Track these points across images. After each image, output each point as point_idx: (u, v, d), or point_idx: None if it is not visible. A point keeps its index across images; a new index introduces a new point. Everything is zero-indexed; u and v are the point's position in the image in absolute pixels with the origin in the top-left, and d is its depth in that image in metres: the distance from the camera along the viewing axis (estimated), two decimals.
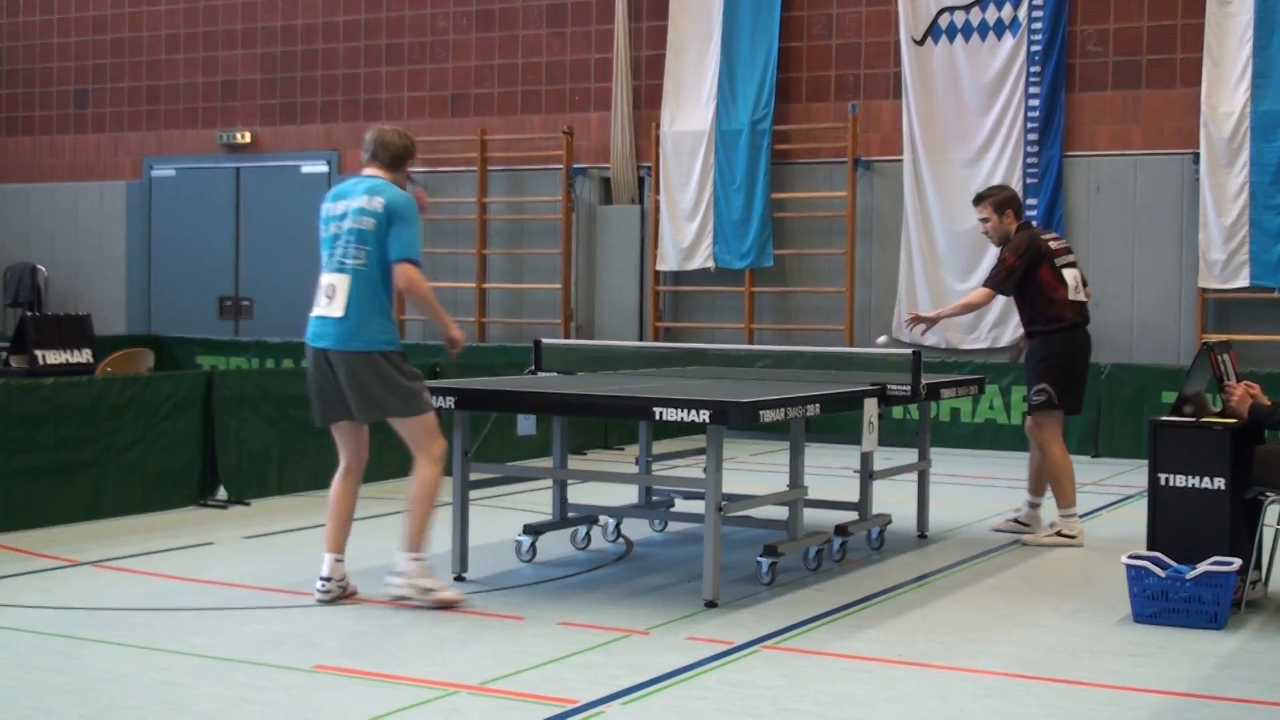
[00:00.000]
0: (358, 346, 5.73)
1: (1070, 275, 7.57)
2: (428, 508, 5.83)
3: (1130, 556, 5.86)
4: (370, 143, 5.95)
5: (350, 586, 5.96)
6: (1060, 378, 7.54)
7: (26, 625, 5.45)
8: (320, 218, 5.90)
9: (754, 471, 10.29)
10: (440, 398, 6.25)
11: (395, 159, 5.91)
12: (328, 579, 5.89)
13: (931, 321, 7.83)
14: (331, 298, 5.74)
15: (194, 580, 6.39)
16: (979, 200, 7.70)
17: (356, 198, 5.78)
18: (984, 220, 7.65)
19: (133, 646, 5.14)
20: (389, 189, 5.79)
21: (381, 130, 6.01)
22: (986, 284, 7.62)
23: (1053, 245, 7.63)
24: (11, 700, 4.48)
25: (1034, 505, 7.97)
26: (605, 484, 8.33)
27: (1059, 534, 7.59)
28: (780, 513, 7.02)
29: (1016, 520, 7.98)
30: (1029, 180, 12.64)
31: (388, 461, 9.73)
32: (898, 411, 8.34)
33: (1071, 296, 7.53)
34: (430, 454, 5.83)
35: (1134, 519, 7.88)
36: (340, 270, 5.74)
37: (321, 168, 15.82)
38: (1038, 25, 12.65)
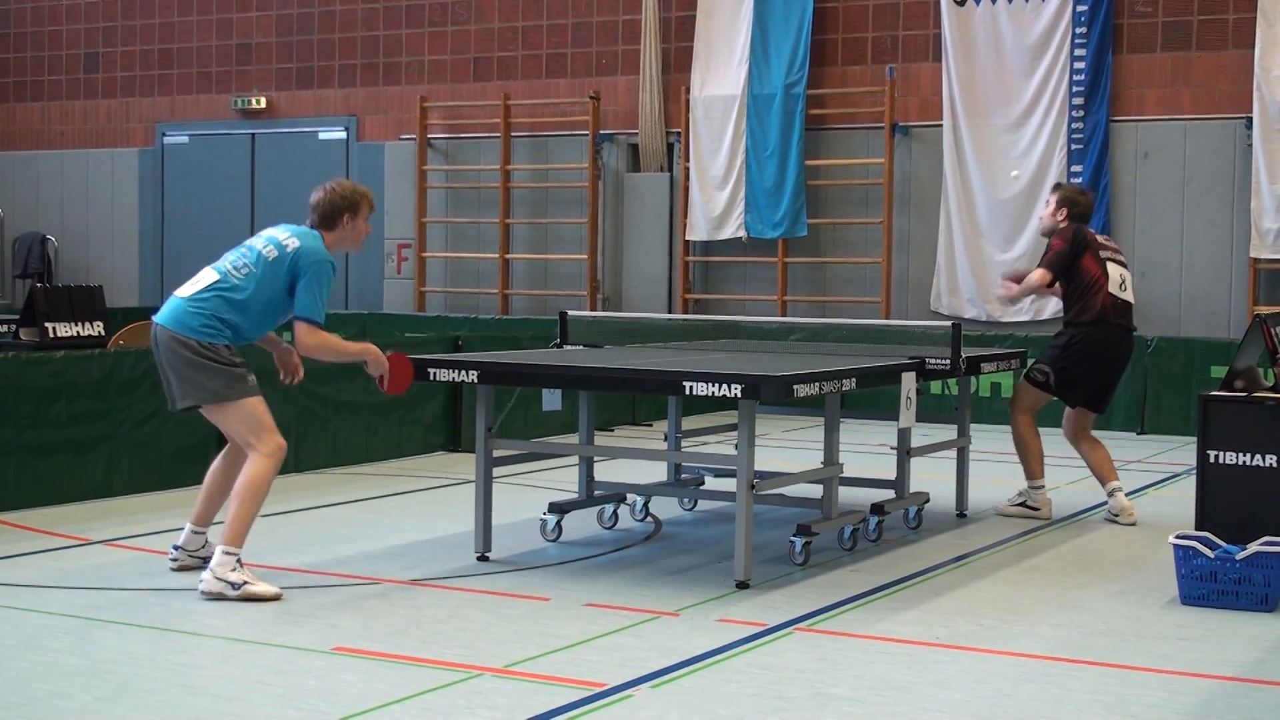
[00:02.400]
0: (174, 328, 5.59)
1: (1115, 271, 7.66)
2: (251, 502, 5.55)
3: (1178, 536, 5.79)
4: (310, 202, 5.92)
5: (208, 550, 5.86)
6: (1068, 368, 7.61)
7: (38, 605, 5.41)
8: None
9: (787, 448, 10.22)
10: (463, 372, 6.17)
11: (323, 217, 5.79)
12: (180, 547, 5.95)
13: (1014, 298, 7.97)
14: (193, 283, 5.68)
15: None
16: (1056, 188, 7.97)
17: (283, 231, 5.77)
18: (1047, 205, 7.86)
19: (147, 627, 5.09)
20: (308, 239, 5.69)
21: (317, 188, 5.92)
22: (1041, 265, 7.72)
23: (1101, 240, 7.79)
24: (23, 682, 4.45)
25: (1113, 491, 7.72)
26: (633, 461, 8.33)
27: (1024, 505, 7.75)
28: (814, 491, 6.96)
29: (1025, 504, 7.82)
30: (1074, 146, 12.45)
31: (409, 436, 9.67)
32: (936, 386, 8.24)
33: (1113, 290, 7.62)
34: (256, 452, 5.60)
35: (1182, 498, 7.86)
36: (216, 268, 5.69)
37: (339, 134, 15.69)
38: None
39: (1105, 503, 7.76)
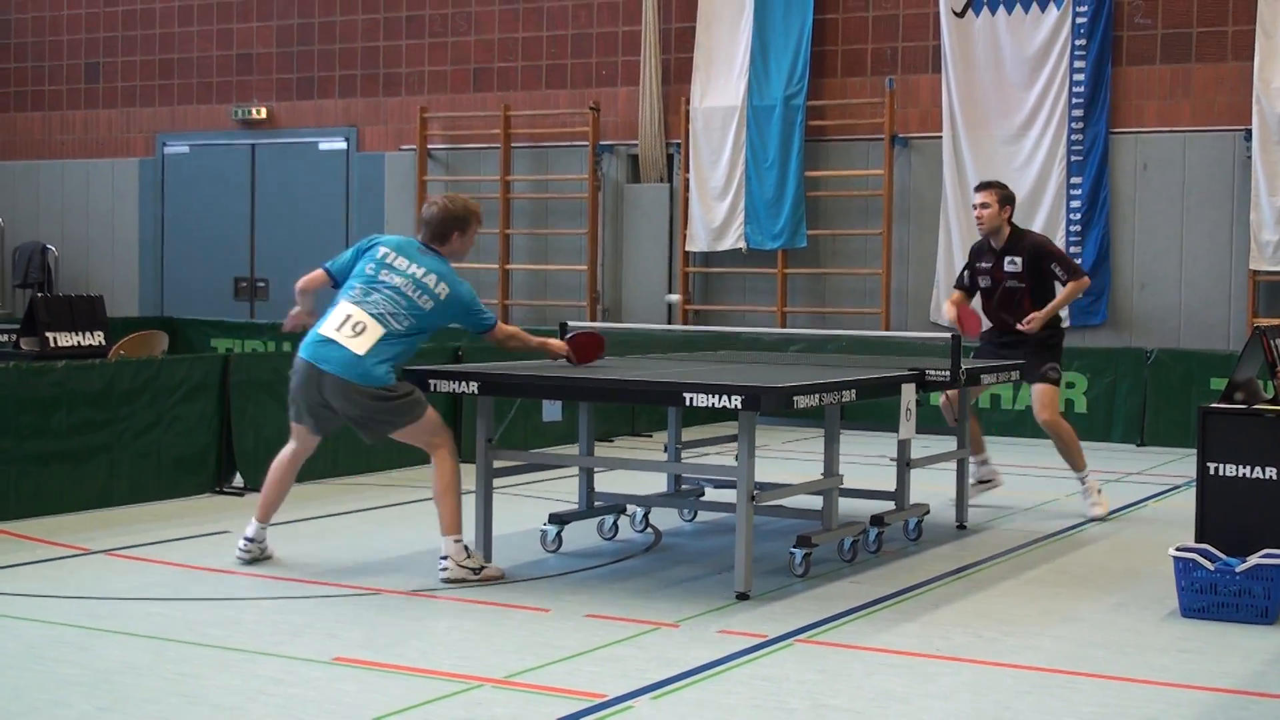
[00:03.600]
0: (363, 382, 6.02)
1: None
2: (453, 495, 6.09)
3: (1178, 549, 5.78)
4: (424, 217, 6.42)
5: (269, 550, 6.42)
6: (1059, 358, 8.28)
7: (38, 615, 5.40)
8: (369, 247, 6.26)
9: (787, 460, 10.22)
10: (463, 383, 6.20)
11: (437, 235, 6.32)
12: (251, 539, 6.36)
13: (1042, 320, 8.04)
14: (358, 333, 6.03)
15: (209, 569, 6.32)
16: (986, 186, 8.09)
17: (420, 265, 6.17)
18: (984, 206, 7.95)
19: (147, 637, 5.08)
20: (452, 278, 6.22)
21: (429, 203, 6.44)
22: (1076, 276, 8.07)
23: None
24: (23, 691, 4.44)
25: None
26: (633, 472, 8.32)
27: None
28: (814, 502, 6.95)
29: (982, 480, 8.32)
30: (1073, 158, 12.44)
31: (410, 447, 9.64)
32: (936, 398, 8.24)
33: None
34: (439, 449, 6.15)
35: (1181, 510, 7.85)
36: (376, 317, 6.05)
37: (340, 144, 15.70)
38: None
39: (1112, 512, 7.87)
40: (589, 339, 6.65)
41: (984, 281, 8.08)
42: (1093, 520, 7.94)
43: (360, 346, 5.99)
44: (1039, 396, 8.07)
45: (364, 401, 6.03)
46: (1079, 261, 12.23)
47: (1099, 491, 8.09)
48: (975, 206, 8.02)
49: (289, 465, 6.37)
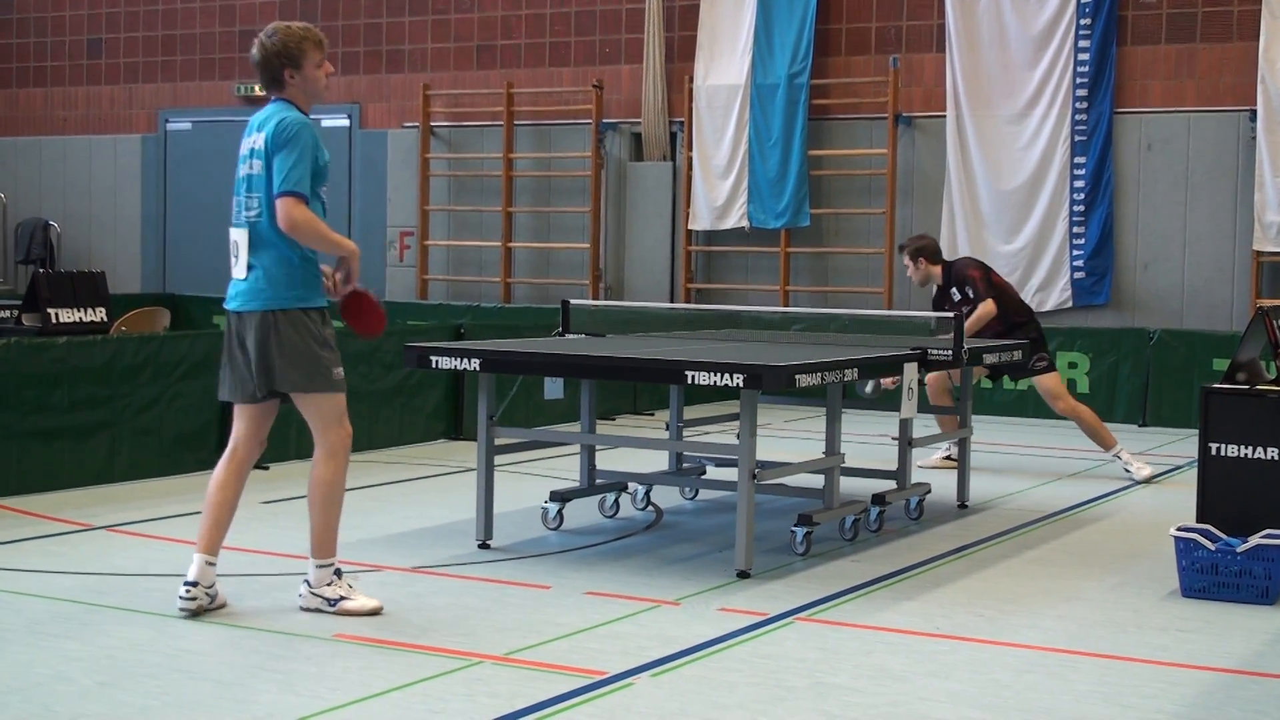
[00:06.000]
0: (257, 306, 5.03)
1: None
2: (327, 510, 5.14)
3: (1179, 529, 5.78)
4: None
5: (220, 598, 5.14)
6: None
7: (40, 591, 5.40)
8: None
9: (788, 438, 10.20)
10: (465, 360, 6.14)
11: (270, 77, 5.09)
12: (193, 584, 5.05)
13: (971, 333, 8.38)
14: (237, 256, 5.09)
15: None
16: (901, 249, 8.89)
17: (253, 134, 5.11)
18: (909, 268, 8.78)
19: (148, 613, 5.08)
20: (271, 119, 5.03)
21: (254, 40, 5.16)
22: (982, 299, 8.59)
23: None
24: (26, 667, 4.44)
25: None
26: (634, 450, 8.31)
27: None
28: (816, 481, 6.97)
29: (949, 457, 8.66)
30: (1078, 138, 12.39)
31: (411, 424, 9.65)
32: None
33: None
34: (326, 445, 5.14)
35: (1183, 490, 7.85)
36: (239, 225, 5.11)
37: (342, 122, 15.65)
38: None
39: (1106, 494, 7.85)
40: (369, 305, 5.30)
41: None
42: (1142, 482, 8.50)
43: (241, 269, 5.06)
44: (1043, 388, 8.74)
45: (261, 331, 5.01)
46: (1082, 242, 12.28)
47: (1135, 457, 8.71)
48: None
49: (222, 474, 5.22)
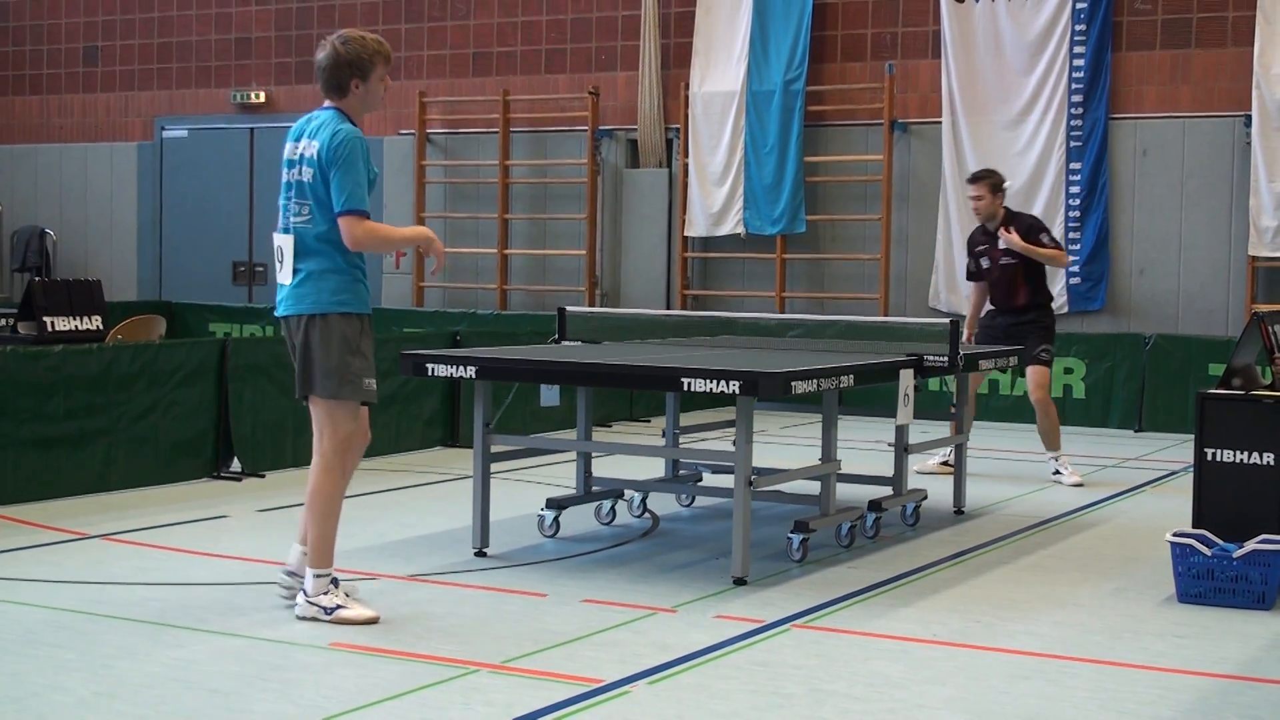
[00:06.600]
0: (303, 309, 5.08)
1: None
2: (324, 521, 5.17)
3: (1175, 534, 5.77)
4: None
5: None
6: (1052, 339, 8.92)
7: (36, 600, 5.39)
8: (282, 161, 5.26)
9: (785, 445, 10.21)
10: (462, 367, 6.14)
11: (335, 83, 5.10)
12: (293, 573, 5.27)
13: (1021, 247, 8.65)
14: (282, 262, 5.12)
15: (207, 555, 6.31)
16: (976, 179, 8.83)
17: (304, 140, 5.13)
18: (977, 198, 8.74)
19: (144, 622, 5.07)
20: (326, 128, 5.05)
21: (325, 43, 5.15)
22: (1059, 248, 8.85)
23: None
24: (21, 677, 4.43)
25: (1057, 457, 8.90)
26: (631, 457, 8.27)
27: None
28: (812, 488, 6.96)
29: (946, 463, 8.74)
30: (1073, 143, 12.41)
31: (407, 431, 9.65)
32: (934, 383, 8.29)
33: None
34: (322, 452, 5.16)
35: (1178, 495, 7.86)
36: (285, 230, 5.12)
37: None
38: None
39: (1102, 500, 7.89)
40: None
41: (984, 263, 8.86)
42: (1072, 486, 8.58)
43: (286, 275, 5.09)
44: (1033, 377, 8.78)
45: (302, 334, 5.08)
46: (1078, 247, 12.32)
47: (1069, 465, 8.80)
48: (970, 199, 8.81)
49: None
